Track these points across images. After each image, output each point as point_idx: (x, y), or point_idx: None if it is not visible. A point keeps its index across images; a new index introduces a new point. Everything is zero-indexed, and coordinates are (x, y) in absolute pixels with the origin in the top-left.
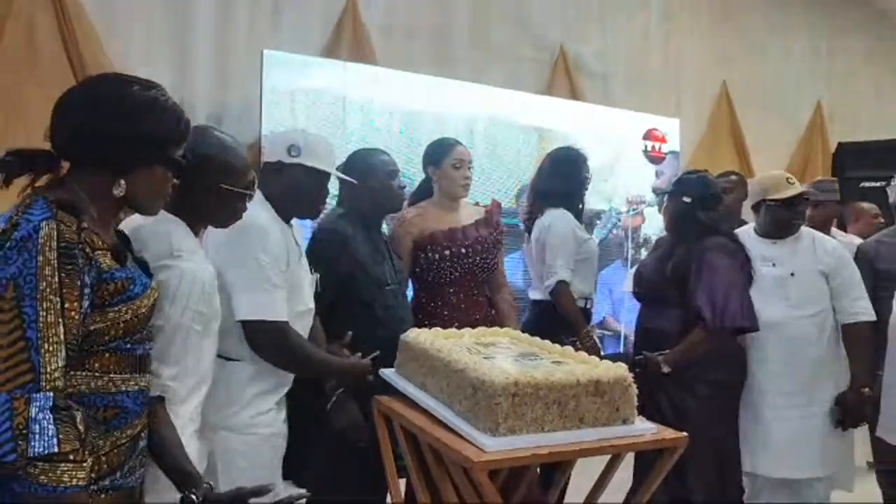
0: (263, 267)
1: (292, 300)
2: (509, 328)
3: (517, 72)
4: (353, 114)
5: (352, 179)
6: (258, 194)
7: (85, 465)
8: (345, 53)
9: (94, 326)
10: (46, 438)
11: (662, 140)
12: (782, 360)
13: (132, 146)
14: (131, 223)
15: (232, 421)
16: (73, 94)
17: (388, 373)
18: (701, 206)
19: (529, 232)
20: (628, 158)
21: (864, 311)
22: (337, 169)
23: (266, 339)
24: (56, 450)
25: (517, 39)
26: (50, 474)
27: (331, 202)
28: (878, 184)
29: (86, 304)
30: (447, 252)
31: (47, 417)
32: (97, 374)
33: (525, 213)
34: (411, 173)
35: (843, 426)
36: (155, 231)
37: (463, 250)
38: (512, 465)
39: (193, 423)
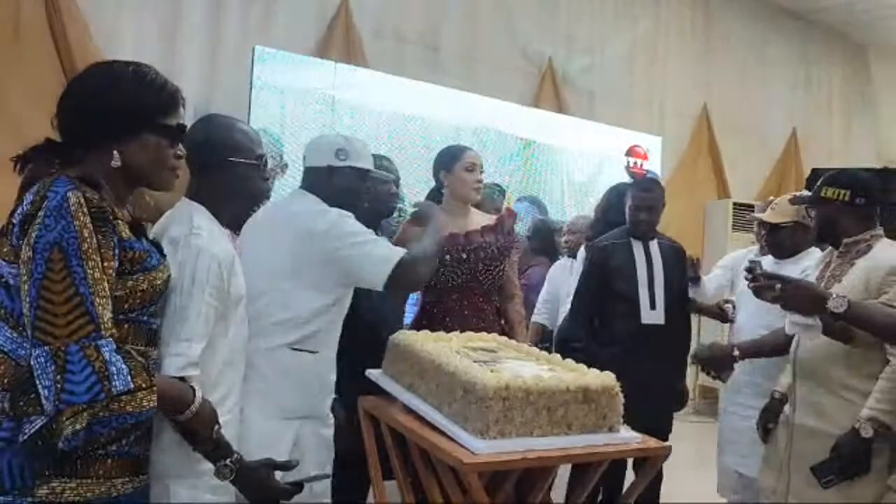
0: (364, 232)
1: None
2: (511, 339)
3: (505, 82)
4: (342, 115)
5: (386, 175)
6: (312, 196)
7: (154, 388)
8: (336, 54)
9: (115, 293)
10: (123, 376)
11: (644, 157)
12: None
13: (117, 116)
14: (158, 224)
15: (322, 410)
16: (70, 84)
17: (375, 374)
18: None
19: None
20: (611, 173)
21: None
22: None
23: (407, 272)
24: (133, 385)
25: (507, 51)
26: (134, 403)
27: None
28: None
29: (115, 264)
30: (447, 257)
31: (118, 359)
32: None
33: (584, 238)
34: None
35: None
36: (177, 214)
37: (464, 255)
38: (501, 468)
39: (226, 409)
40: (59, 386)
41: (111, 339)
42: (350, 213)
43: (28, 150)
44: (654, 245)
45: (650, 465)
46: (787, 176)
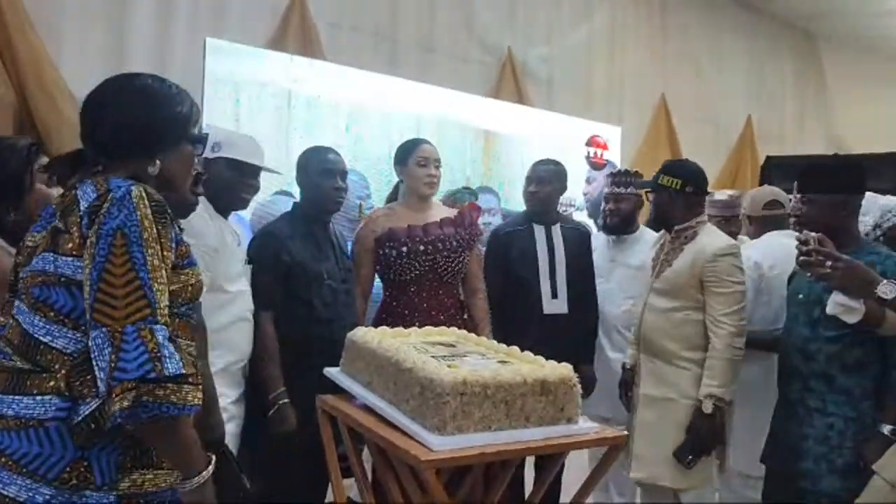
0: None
1: (221, 282)
2: (474, 334)
3: (464, 73)
4: (299, 108)
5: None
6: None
7: (200, 386)
8: (291, 46)
9: (171, 287)
10: (175, 361)
11: (604, 147)
12: None
13: (163, 130)
14: None
15: None
16: (103, 96)
17: (333, 372)
18: None
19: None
20: (571, 164)
21: None
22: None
23: None
24: (183, 371)
25: (465, 41)
26: (179, 394)
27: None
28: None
29: (172, 257)
30: (404, 248)
31: (170, 344)
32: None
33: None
34: (358, 169)
35: None
36: None
37: (422, 247)
38: (459, 464)
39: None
40: (112, 365)
41: (165, 326)
42: (201, 213)
43: (54, 158)
44: (556, 230)
45: (610, 454)
46: (743, 163)
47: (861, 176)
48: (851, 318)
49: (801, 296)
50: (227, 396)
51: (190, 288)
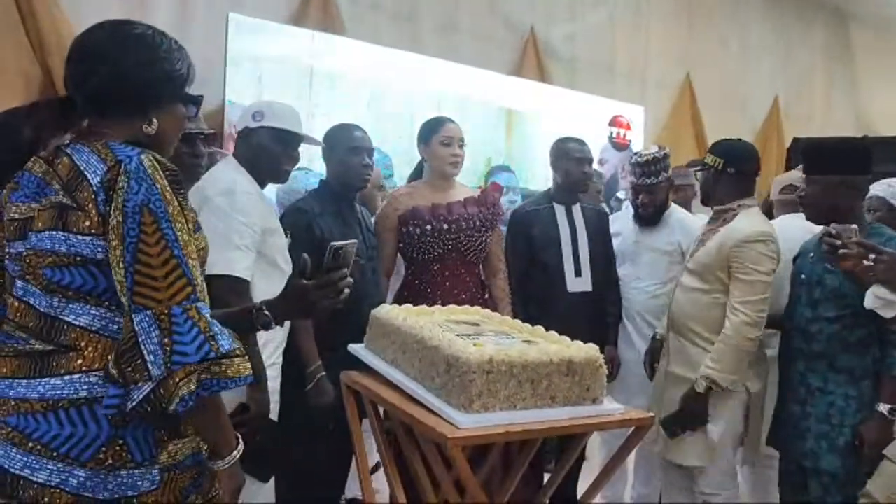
0: (237, 226)
1: (280, 262)
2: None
3: (487, 52)
4: (320, 84)
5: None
6: (233, 160)
7: (246, 357)
8: (312, 22)
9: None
10: (226, 337)
11: (627, 127)
12: None
13: (161, 85)
14: None
15: None
16: (99, 44)
17: (357, 348)
18: None
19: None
20: (594, 144)
21: None
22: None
23: (224, 294)
24: (235, 346)
25: (488, 19)
26: (234, 369)
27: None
28: None
29: (190, 226)
30: (428, 227)
31: (215, 321)
32: None
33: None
34: (378, 147)
35: None
36: None
37: (445, 226)
38: (485, 442)
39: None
40: (167, 349)
41: (204, 302)
42: (251, 190)
43: (31, 104)
44: (576, 209)
45: (634, 436)
46: (769, 145)
47: (866, 156)
48: (889, 313)
49: (803, 276)
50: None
51: (202, 252)
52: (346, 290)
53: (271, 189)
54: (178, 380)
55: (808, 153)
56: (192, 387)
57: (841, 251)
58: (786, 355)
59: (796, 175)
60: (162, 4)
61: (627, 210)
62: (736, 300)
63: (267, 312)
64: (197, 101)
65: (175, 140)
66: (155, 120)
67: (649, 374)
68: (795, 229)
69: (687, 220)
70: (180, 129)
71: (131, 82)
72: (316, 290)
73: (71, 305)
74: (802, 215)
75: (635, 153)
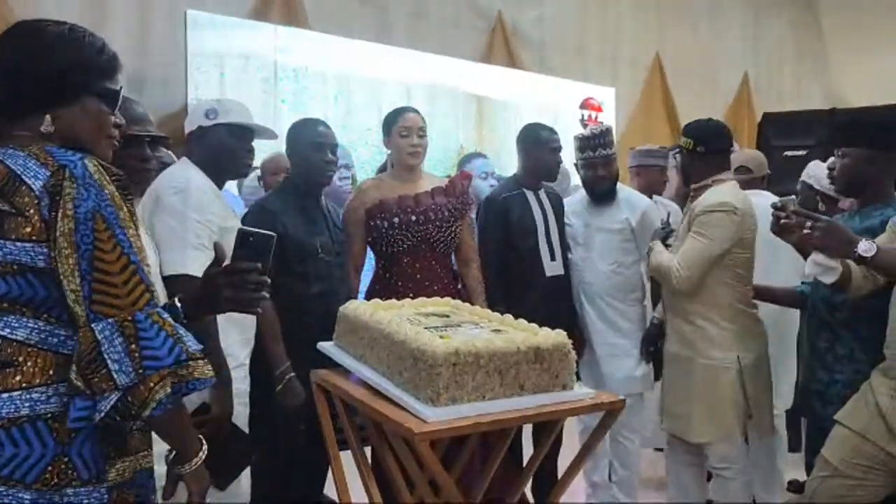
0: (192, 225)
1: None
2: (471, 304)
3: (455, 39)
4: (286, 79)
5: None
6: (187, 161)
7: (206, 359)
8: (275, 16)
9: None
10: (191, 338)
11: (598, 109)
12: None
13: (55, 79)
14: None
15: None
16: None
17: (326, 346)
18: None
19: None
20: (565, 127)
21: None
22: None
23: (175, 286)
24: (201, 346)
25: (454, 6)
26: (199, 370)
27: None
28: (800, 152)
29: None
30: (396, 219)
31: (177, 324)
32: None
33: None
34: (347, 140)
35: None
36: None
37: (413, 217)
38: (454, 435)
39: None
40: (135, 355)
41: (162, 307)
42: (206, 188)
43: None
44: (542, 194)
45: (607, 419)
46: (740, 121)
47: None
48: (829, 279)
49: None
50: (236, 378)
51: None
52: (264, 293)
53: (231, 185)
54: (151, 385)
55: (842, 126)
56: (168, 390)
57: (782, 221)
58: (812, 326)
59: (750, 155)
60: (120, 2)
61: (573, 196)
62: (677, 256)
63: (178, 306)
64: (113, 94)
65: (96, 137)
66: (48, 118)
67: (646, 359)
68: (757, 207)
69: (633, 198)
70: (98, 124)
71: (21, 77)
72: (222, 277)
73: (6, 318)
74: (757, 192)
75: (580, 133)
